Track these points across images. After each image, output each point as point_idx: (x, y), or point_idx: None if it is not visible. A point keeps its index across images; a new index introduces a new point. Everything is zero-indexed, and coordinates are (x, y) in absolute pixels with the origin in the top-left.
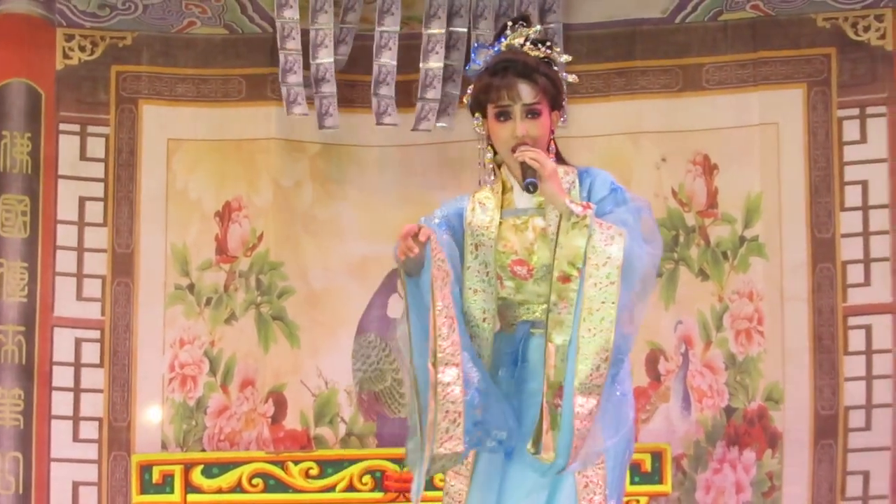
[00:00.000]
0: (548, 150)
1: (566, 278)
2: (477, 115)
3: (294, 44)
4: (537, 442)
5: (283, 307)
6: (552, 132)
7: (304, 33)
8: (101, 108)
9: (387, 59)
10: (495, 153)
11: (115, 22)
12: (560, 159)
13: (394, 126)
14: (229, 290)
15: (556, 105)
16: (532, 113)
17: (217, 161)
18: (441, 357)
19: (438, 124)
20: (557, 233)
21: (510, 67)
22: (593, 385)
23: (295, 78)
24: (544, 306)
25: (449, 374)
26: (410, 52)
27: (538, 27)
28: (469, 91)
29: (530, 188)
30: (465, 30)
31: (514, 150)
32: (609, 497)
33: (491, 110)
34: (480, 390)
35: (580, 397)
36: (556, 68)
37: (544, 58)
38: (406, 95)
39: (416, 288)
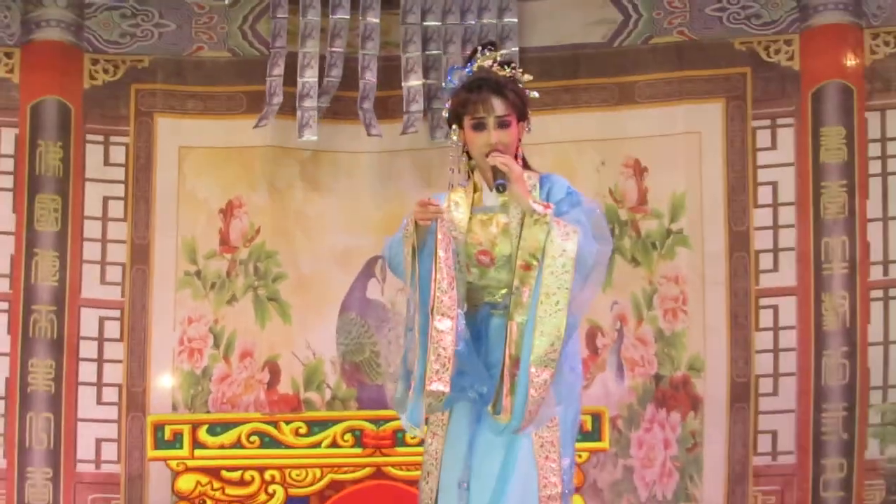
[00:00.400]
0: (515, 156)
1: (527, 266)
2: (454, 126)
3: (278, 70)
4: (496, 404)
5: (277, 290)
6: (520, 140)
7: (294, 55)
8: (121, 120)
9: (369, 78)
10: (469, 158)
11: (135, 48)
12: (526, 165)
13: (378, 136)
14: (231, 276)
15: (522, 117)
16: (503, 124)
17: (221, 166)
18: (438, 307)
19: (435, 138)
20: (520, 228)
21: (484, 85)
22: (549, 359)
23: (276, 99)
24: (504, 291)
25: (444, 324)
26: (389, 72)
27: (503, 51)
28: (447, 106)
29: (499, 188)
30: (440, 52)
31: (487, 156)
32: (563, 455)
33: (468, 121)
34: (468, 345)
35: (536, 369)
36: (520, 86)
37: (510, 76)
38: (385, 109)
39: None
